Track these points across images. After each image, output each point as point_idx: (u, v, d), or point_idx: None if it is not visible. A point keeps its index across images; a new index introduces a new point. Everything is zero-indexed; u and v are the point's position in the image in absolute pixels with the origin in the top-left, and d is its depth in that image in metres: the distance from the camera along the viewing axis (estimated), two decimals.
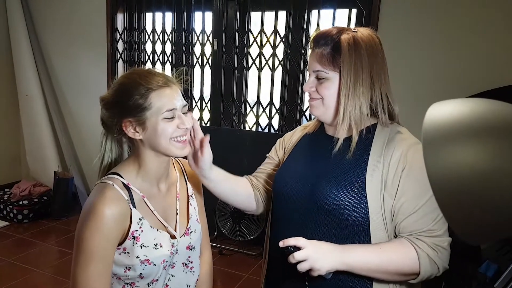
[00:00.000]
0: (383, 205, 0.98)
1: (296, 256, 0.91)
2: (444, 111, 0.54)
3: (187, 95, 3.51)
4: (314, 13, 2.96)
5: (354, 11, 2.80)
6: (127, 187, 1.01)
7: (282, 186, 1.13)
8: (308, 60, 1.08)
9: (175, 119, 1.00)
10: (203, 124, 3.52)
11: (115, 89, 1.01)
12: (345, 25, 2.80)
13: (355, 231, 0.99)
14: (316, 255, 0.92)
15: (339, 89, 1.02)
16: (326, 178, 1.04)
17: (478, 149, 0.49)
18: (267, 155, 1.32)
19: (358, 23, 2.79)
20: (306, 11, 2.99)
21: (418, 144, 1.01)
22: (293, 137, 1.24)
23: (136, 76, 1.00)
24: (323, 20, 2.89)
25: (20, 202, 3.65)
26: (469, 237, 0.51)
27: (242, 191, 1.22)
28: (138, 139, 1.01)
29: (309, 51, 1.07)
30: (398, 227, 0.98)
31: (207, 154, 1.08)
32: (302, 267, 0.92)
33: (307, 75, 3.16)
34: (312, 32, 2.94)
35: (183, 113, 1.02)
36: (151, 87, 0.97)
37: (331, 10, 2.84)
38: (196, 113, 3.53)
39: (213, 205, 3.17)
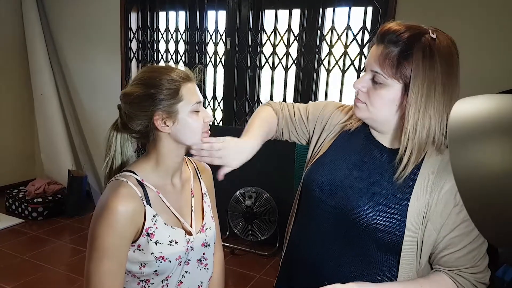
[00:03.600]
0: (422, 234, 0.91)
1: None
2: (471, 108, 0.51)
3: (201, 93, 3.51)
4: (329, 11, 2.93)
5: (370, 9, 2.75)
6: (141, 184, 1.00)
7: (314, 183, 1.04)
8: (368, 52, 0.97)
9: (200, 112, 1.03)
10: (216, 124, 3.52)
11: (142, 83, 1.00)
12: (361, 24, 2.76)
13: (384, 252, 0.95)
14: None
15: (402, 99, 0.90)
16: (364, 194, 0.96)
17: (506, 147, 0.46)
18: (309, 108, 1.16)
19: (374, 21, 2.75)
20: (321, 9, 2.96)
21: None
22: (335, 128, 1.09)
23: (162, 69, 1.01)
24: (338, 18, 2.85)
25: (35, 200, 3.69)
26: (496, 240, 0.48)
27: (271, 136, 1.17)
28: (166, 132, 1.00)
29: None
30: (438, 259, 0.94)
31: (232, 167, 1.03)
32: None
33: (322, 73, 3.11)
34: (327, 30, 2.91)
35: None
36: (179, 80, 0.99)
37: (347, 8, 2.80)
38: (208, 112, 3.52)
39: (226, 205, 3.16)
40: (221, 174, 1.01)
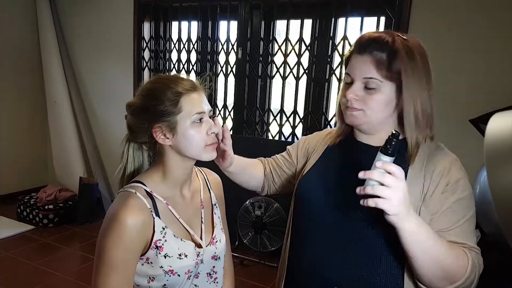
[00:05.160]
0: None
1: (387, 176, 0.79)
2: (509, 123, 0.49)
3: (211, 102, 3.52)
4: (341, 21, 2.92)
5: (382, 19, 2.74)
6: (150, 195, 0.99)
7: (306, 192, 1.08)
8: (349, 65, 1.00)
9: (203, 123, 1.00)
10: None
11: (144, 94, 1.00)
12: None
13: (386, 245, 0.94)
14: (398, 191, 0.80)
15: (397, 98, 0.96)
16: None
17: None
18: (288, 147, 1.28)
19: None
20: (333, 19, 2.96)
21: (458, 161, 0.98)
22: (318, 146, 1.17)
23: (164, 80, 1.00)
24: (350, 28, 2.84)
25: (46, 207, 3.71)
26: None
27: (256, 178, 1.28)
28: (167, 145, 0.99)
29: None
30: None
31: (232, 155, 1.15)
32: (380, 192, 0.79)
33: (333, 83, 3.09)
34: (339, 40, 2.89)
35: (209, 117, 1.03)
36: (180, 91, 0.97)
37: (359, 18, 2.78)
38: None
39: (235, 215, 3.13)
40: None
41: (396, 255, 0.94)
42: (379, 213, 0.83)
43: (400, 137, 0.96)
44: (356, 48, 0.98)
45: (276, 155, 1.31)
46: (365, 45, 0.96)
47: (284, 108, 3.21)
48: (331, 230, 1.01)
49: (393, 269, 0.95)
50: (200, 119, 0.98)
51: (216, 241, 1.10)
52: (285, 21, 3.10)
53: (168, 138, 0.98)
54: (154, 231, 0.97)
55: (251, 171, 1.26)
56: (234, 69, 3.38)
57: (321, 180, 1.07)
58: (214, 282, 1.11)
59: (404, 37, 0.96)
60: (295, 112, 3.17)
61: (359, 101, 0.97)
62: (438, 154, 0.98)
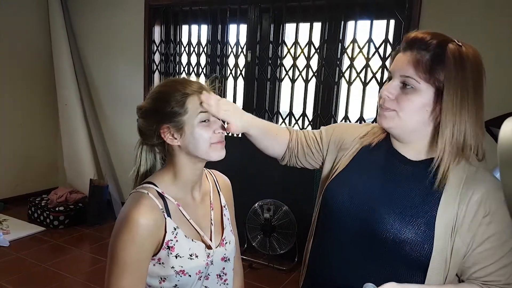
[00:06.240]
0: (451, 248, 0.89)
1: None
2: None
3: None
4: (351, 24, 2.91)
5: (392, 22, 2.73)
6: (161, 196, 1.00)
7: (334, 199, 1.02)
8: (392, 61, 0.95)
9: (211, 123, 1.00)
10: (235, 135, 3.51)
11: (152, 97, 1.03)
12: (383, 36, 2.73)
13: (411, 268, 0.92)
14: None
15: (434, 105, 0.89)
16: (389, 206, 0.93)
17: None
18: (323, 129, 1.17)
19: (396, 34, 2.71)
20: (342, 22, 2.95)
21: (498, 185, 0.90)
22: (353, 144, 1.08)
23: (173, 83, 1.02)
24: (359, 31, 2.83)
25: (57, 208, 3.75)
26: None
27: (278, 145, 1.17)
28: (176, 145, 1.01)
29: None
30: (469, 275, 0.91)
31: (235, 123, 1.04)
32: None
33: (343, 86, 3.07)
34: (348, 43, 2.89)
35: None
36: (187, 92, 0.98)
37: (368, 21, 2.78)
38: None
39: (244, 217, 3.13)
40: (233, 128, 1.03)
41: (418, 267, 0.91)
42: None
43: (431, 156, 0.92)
44: (401, 46, 0.93)
45: (308, 130, 1.20)
46: (410, 43, 0.91)
47: (293, 111, 3.21)
48: (353, 241, 0.98)
49: (415, 278, 0.92)
50: (207, 119, 0.99)
51: (226, 243, 1.11)
52: (294, 24, 3.10)
53: (176, 139, 1.00)
54: (165, 231, 0.98)
55: (271, 138, 1.15)
56: (243, 72, 3.39)
57: (350, 187, 1.01)
58: (224, 284, 1.12)
59: (459, 43, 0.89)
60: (304, 114, 3.17)
61: (393, 101, 0.92)
62: (477, 179, 0.90)
